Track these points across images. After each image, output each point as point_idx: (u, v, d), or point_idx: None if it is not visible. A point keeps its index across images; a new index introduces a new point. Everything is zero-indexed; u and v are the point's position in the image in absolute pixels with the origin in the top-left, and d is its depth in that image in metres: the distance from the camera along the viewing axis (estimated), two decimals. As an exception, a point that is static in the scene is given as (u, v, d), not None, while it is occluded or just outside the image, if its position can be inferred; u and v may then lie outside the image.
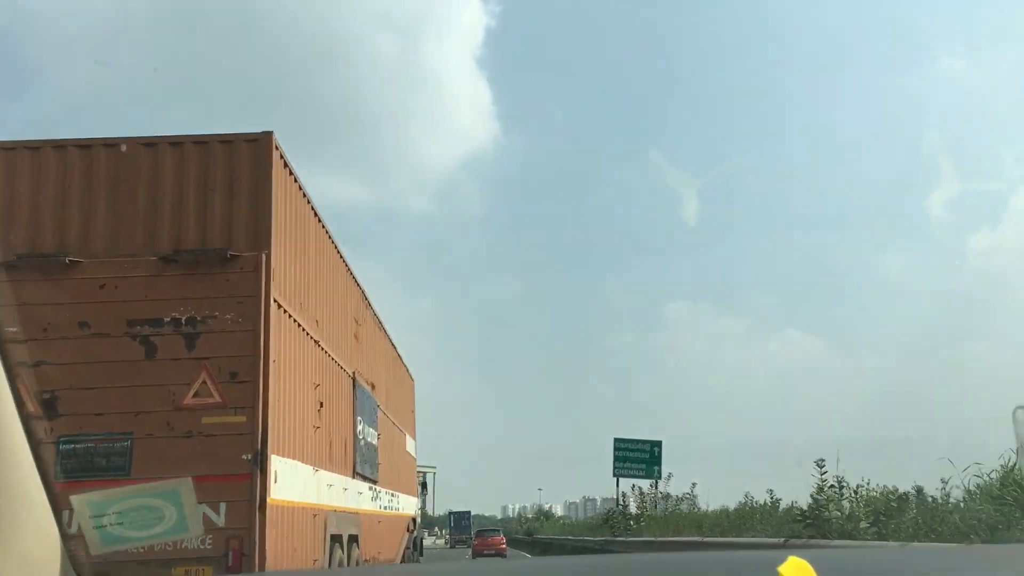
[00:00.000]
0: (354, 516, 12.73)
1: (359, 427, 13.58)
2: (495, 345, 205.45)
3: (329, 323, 11.60)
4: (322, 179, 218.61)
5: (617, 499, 28.14)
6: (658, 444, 27.85)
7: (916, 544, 8.07)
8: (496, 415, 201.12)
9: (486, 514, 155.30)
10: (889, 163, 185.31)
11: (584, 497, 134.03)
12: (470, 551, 48.06)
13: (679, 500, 25.94)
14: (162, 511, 1.76)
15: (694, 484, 26.43)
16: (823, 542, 9.57)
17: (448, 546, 79.16)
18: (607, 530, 28.10)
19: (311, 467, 10.05)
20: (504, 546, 45.98)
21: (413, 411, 22.84)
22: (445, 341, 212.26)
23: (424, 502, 26.07)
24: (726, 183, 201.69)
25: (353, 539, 12.42)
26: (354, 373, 13.34)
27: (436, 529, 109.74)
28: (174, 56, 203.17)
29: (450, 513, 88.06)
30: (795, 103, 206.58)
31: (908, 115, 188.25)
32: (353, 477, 12.97)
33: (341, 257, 12.93)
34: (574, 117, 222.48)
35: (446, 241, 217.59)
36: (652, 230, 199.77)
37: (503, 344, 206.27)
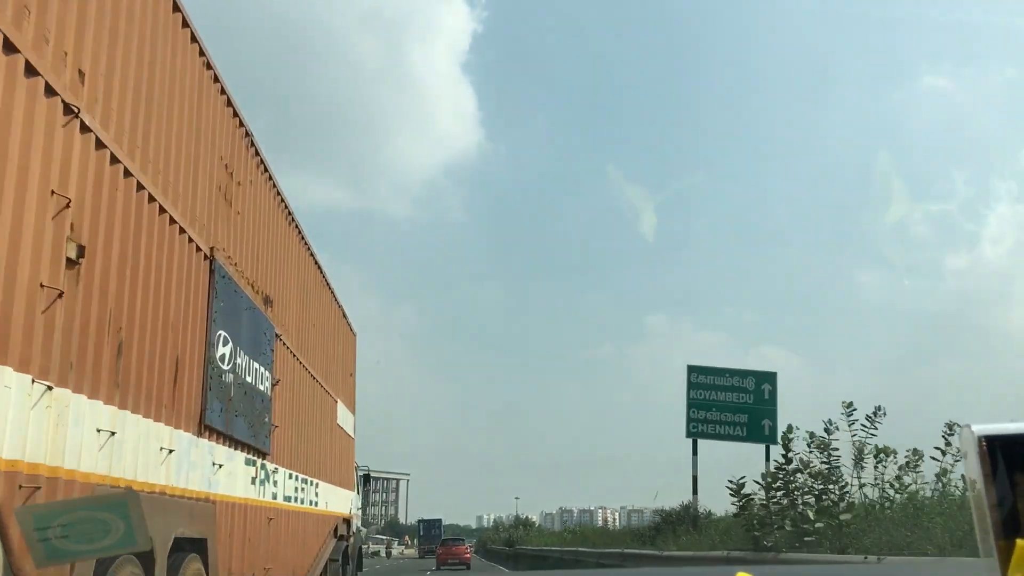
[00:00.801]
0: (196, 506, 7.01)
1: (223, 350, 7.82)
2: (473, 353, 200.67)
3: (131, 110, 5.88)
4: (300, 180, 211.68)
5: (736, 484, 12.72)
6: (770, 378, 18.09)
7: (889, 559, 7.47)
8: (472, 424, 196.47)
9: (460, 524, 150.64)
10: (868, 180, 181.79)
11: (561, 508, 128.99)
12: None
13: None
14: (109, 524, 1.68)
15: None
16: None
17: (418, 555, 74.95)
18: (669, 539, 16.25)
19: (38, 383, 4.54)
20: (468, 555, 44.40)
21: (353, 375, 17.06)
22: (423, 348, 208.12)
23: (363, 502, 19.86)
24: (703, 196, 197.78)
25: (194, 547, 6.71)
26: (212, 250, 7.59)
27: (406, 538, 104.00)
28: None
29: (419, 521, 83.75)
30: (776, 118, 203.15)
31: (887, 132, 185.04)
32: (201, 434, 7.26)
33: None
34: (558, 125, 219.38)
35: (427, 247, 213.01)
36: (632, 241, 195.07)
37: (481, 352, 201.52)
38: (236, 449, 8.23)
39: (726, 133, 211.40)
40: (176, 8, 6.87)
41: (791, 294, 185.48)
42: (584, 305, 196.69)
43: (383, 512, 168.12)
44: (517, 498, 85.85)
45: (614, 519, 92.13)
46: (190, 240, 6.97)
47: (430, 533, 75.32)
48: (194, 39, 7.26)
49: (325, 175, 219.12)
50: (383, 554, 77.26)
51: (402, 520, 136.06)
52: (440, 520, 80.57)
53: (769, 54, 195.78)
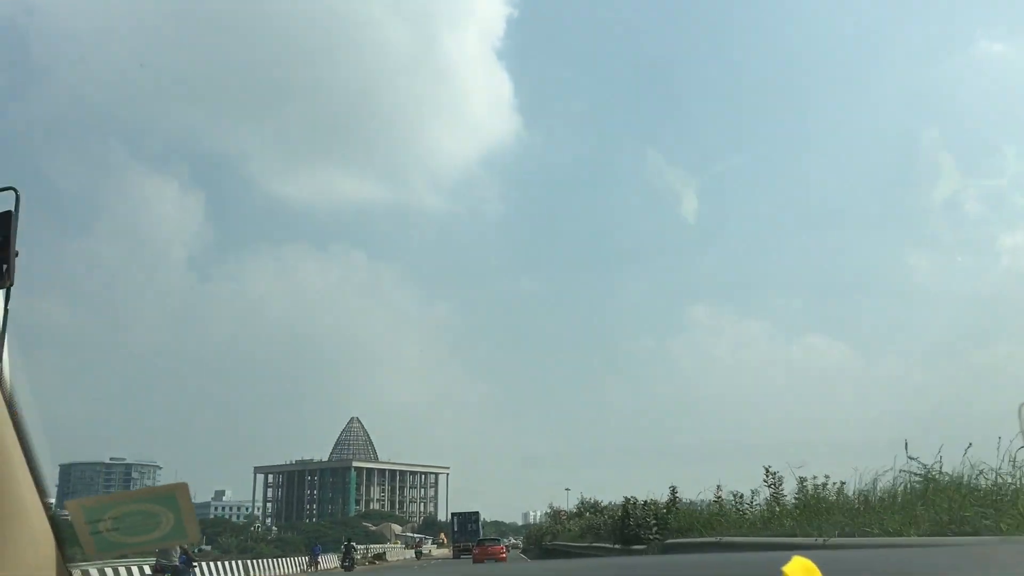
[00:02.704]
0: None
1: None
2: (513, 348, 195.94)
3: None
4: (333, 176, 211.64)
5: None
6: None
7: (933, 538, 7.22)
8: (512, 419, 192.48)
9: (505, 520, 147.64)
10: (917, 155, 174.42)
11: (611, 502, 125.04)
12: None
13: None
14: (159, 516, 1.73)
15: None
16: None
17: (452, 555, 68.15)
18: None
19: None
20: (504, 556, 45.83)
21: None
22: (462, 344, 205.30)
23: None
24: (746, 178, 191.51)
25: None
26: None
27: (441, 535, 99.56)
28: (177, 49, 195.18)
29: (453, 515, 75.50)
30: (820, 93, 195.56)
31: (937, 104, 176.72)
32: None
33: None
34: (597, 111, 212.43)
35: (463, 241, 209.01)
36: (673, 229, 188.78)
37: (521, 347, 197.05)
38: None
39: (769, 111, 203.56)
40: None
41: (837, 279, 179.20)
42: (624, 295, 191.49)
43: (421, 509, 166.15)
44: (567, 489, 79.17)
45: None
46: None
47: (466, 529, 67.97)
48: None
49: (357, 168, 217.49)
50: (413, 555, 72.07)
51: (441, 517, 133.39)
52: (478, 514, 71.76)
53: (813, 26, 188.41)
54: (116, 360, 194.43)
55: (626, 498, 21.82)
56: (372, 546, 68.37)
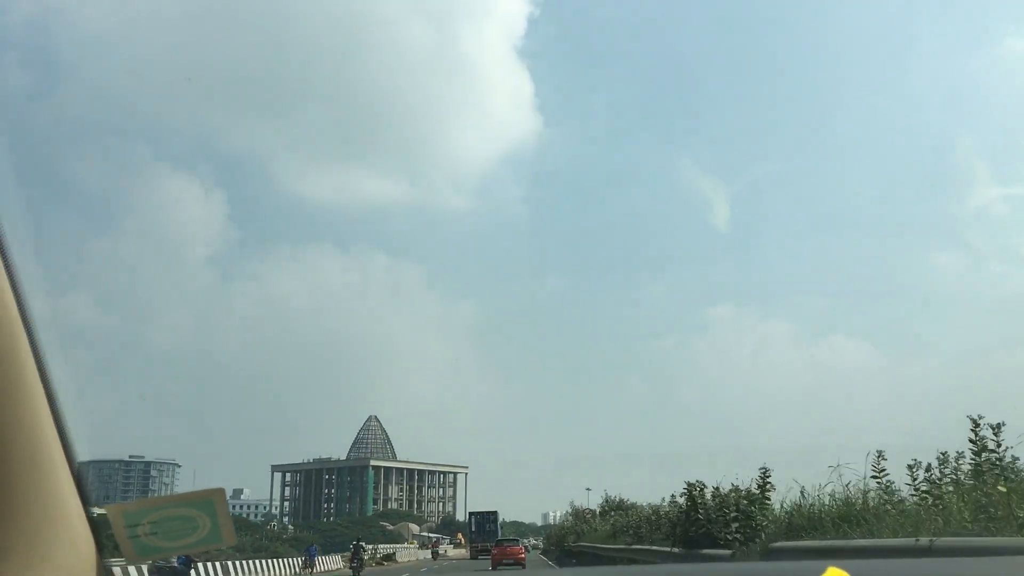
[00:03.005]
0: None
1: None
2: (535, 348, 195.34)
3: None
4: (356, 176, 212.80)
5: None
6: None
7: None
8: (534, 420, 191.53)
9: (525, 521, 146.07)
10: (946, 158, 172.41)
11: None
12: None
13: None
14: (196, 521, 1.78)
15: None
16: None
17: (470, 556, 65.84)
18: None
19: None
20: (523, 556, 45.97)
21: None
22: (484, 345, 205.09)
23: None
24: (768, 183, 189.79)
25: None
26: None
27: (459, 535, 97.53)
28: (200, 49, 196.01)
29: (471, 515, 72.47)
30: (848, 94, 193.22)
31: (967, 104, 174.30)
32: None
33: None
34: (619, 111, 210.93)
35: (485, 241, 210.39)
36: (699, 228, 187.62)
37: (544, 347, 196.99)
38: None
39: (796, 112, 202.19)
40: None
41: (863, 281, 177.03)
42: (647, 296, 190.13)
43: (440, 508, 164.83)
44: (588, 489, 76.52)
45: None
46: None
47: (484, 529, 65.62)
48: None
49: (381, 168, 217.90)
50: (429, 555, 69.69)
51: (460, 517, 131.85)
52: (496, 513, 68.90)
53: (841, 25, 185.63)
54: (137, 358, 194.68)
55: (689, 484, 16.85)
56: (382, 546, 65.51)
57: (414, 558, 63.68)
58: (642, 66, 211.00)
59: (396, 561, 54.74)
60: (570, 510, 57.21)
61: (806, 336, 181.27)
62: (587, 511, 45.58)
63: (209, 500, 1.79)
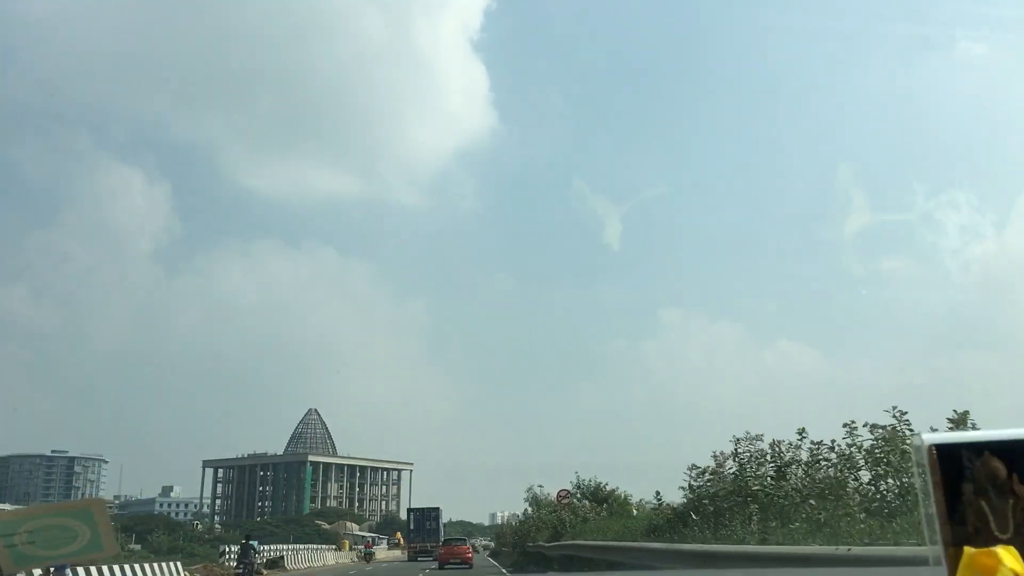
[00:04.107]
0: None
1: None
2: (485, 347, 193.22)
3: None
4: (305, 168, 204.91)
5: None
6: None
7: None
8: (484, 419, 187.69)
9: (472, 520, 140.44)
10: (891, 161, 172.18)
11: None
12: (436, 563, 45.65)
13: None
14: (75, 530, 1.74)
15: None
16: None
17: (407, 558, 58.45)
18: None
19: None
20: (471, 556, 45.19)
21: None
22: (433, 342, 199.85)
23: None
24: (722, 180, 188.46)
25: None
26: None
27: (397, 535, 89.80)
28: (143, 33, 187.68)
29: (410, 511, 65.96)
30: (799, 96, 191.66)
31: (914, 108, 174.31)
32: None
33: None
34: (574, 107, 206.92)
35: (438, 238, 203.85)
36: (650, 229, 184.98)
37: (493, 346, 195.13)
38: None
39: (743, 113, 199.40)
40: None
41: (810, 286, 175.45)
42: (598, 297, 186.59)
43: (382, 507, 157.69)
44: (541, 486, 70.05)
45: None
46: None
47: (423, 527, 58.81)
48: None
49: (329, 161, 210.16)
50: (351, 559, 60.81)
51: (403, 516, 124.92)
52: (438, 510, 61.95)
53: (788, 32, 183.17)
54: (70, 352, 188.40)
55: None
56: (282, 547, 51.49)
57: (330, 562, 53.36)
58: (599, 62, 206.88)
59: (284, 568, 41.18)
60: (529, 497, 42.30)
61: (754, 339, 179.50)
62: (564, 496, 32.32)
63: (88, 510, 1.77)
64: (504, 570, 35.39)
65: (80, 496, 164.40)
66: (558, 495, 32.68)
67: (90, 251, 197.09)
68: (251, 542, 30.83)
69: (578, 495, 32.05)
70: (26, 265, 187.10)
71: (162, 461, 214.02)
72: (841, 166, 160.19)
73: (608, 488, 28.44)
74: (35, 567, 2.63)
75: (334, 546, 67.02)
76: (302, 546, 54.63)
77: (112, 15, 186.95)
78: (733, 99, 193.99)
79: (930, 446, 1.10)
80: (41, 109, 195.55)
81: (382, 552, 68.17)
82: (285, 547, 50.37)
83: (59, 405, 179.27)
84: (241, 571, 28.94)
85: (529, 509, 40.44)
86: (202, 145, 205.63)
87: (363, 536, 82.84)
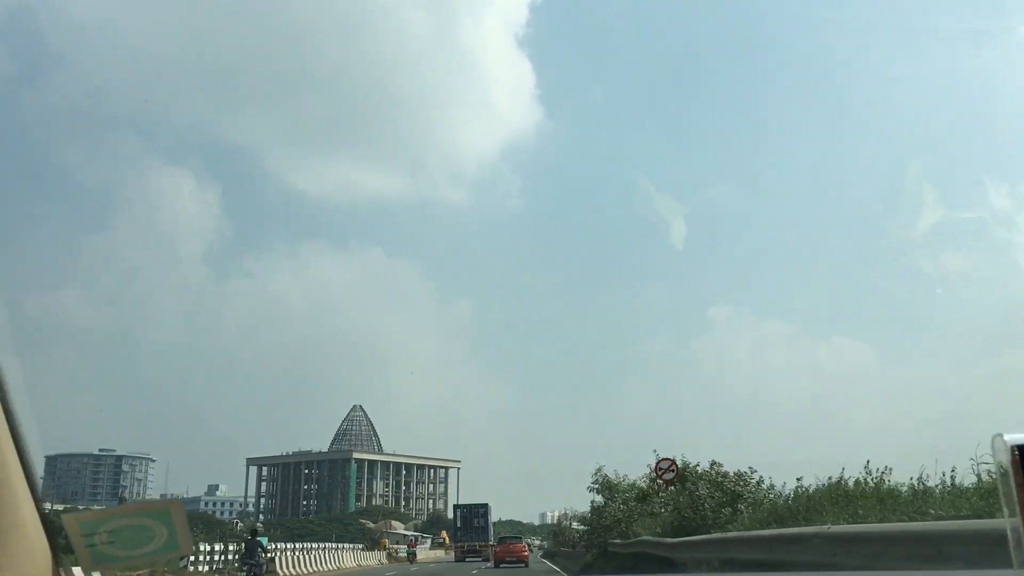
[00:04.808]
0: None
1: None
2: (532, 344, 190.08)
3: None
4: (351, 168, 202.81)
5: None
6: None
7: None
8: (533, 417, 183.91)
9: (523, 520, 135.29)
10: (951, 152, 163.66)
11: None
12: (488, 563, 45.69)
13: None
14: (153, 531, 1.79)
15: None
16: None
17: (455, 559, 53.79)
18: None
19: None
20: (527, 553, 44.91)
21: None
22: (480, 340, 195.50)
23: None
24: (781, 175, 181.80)
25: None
26: None
27: (443, 534, 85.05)
28: (190, 36, 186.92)
29: (456, 508, 61.42)
30: (860, 83, 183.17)
31: (980, 99, 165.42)
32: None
33: None
34: (621, 102, 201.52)
35: (484, 236, 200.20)
36: (699, 228, 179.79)
37: (540, 343, 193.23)
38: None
39: (802, 102, 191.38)
40: None
41: (877, 285, 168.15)
42: (647, 295, 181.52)
43: (429, 506, 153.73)
44: (588, 489, 64.49)
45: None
46: None
47: (471, 525, 54.36)
48: None
49: (376, 161, 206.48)
50: (405, 554, 56.13)
51: (451, 515, 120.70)
52: (487, 506, 56.82)
53: (847, 24, 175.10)
54: (119, 352, 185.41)
55: None
56: (289, 545, 46.38)
57: (348, 564, 45.81)
58: (648, 57, 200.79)
59: (275, 572, 31.00)
60: (598, 481, 30.09)
61: (806, 337, 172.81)
62: (670, 463, 21.83)
63: (167, 511, 1.80)
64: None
65: (128, 495, 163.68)
66: (657, 467, 21.89)
67: (141, 254, 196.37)
68: (259, 538, 25.46)
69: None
70: (79, 268, 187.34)
71: (209, 459, 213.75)
72: (912, 163, 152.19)
73: (721, 469, 18.21)
74: (114, 567, 1.69)
75: (360, 545, 61.74)
76: (314, 544, 48.52)
77: (158, 18, 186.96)
78: (793, 95, 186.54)
79: (1012, 446, 1.04)
80: (92, 114, 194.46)
81: (423, 552, 62.87)
82: (291, 545, 43.93)
83: (107, 404, 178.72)
84: (246, 572, 23.72)
85: (599, 498, 30.47)
86: (250, 146, 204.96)
87: (405, 535, 77.94)
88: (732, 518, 13.46)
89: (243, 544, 24.73)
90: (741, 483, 15.91)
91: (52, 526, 1.62)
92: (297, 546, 44.49)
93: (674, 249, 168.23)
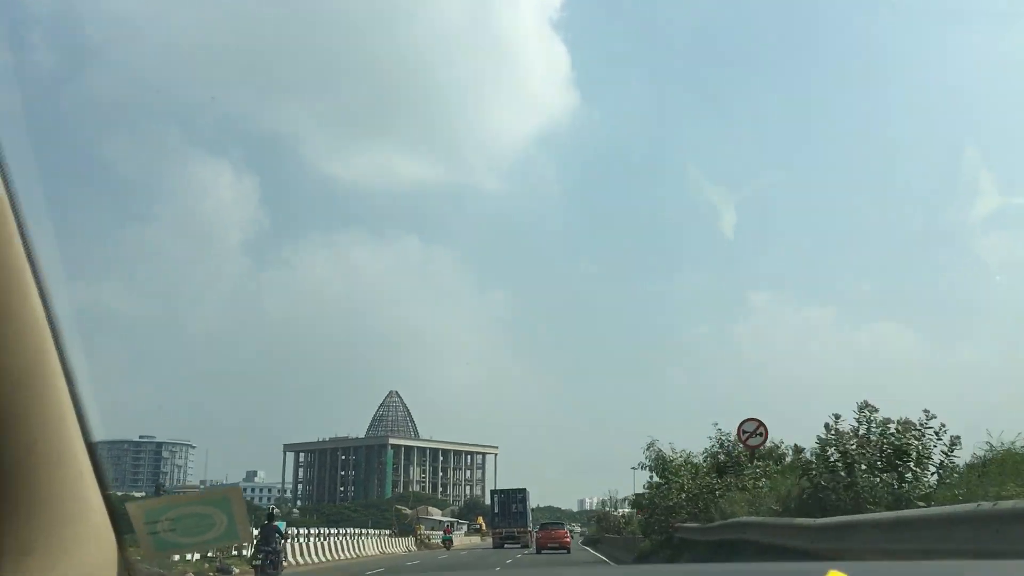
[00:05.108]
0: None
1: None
2: (570, 331, 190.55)
3: None
4: (387, 155, 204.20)
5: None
6: None
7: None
8: (570, 405, 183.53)
9: (562, 507, 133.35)
10: (1008, 136, 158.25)
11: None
12: (527, 549, 45.10)
13: None
14: (212, 518, 1.82)
15: None
16: None
17: (493, 545, 51.37)
18: None
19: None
20: (568, 539, 44.28)
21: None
22: (517, 327, 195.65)
23: None
24: (818, 154, 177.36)
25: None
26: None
27: (479, 519, 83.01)
28: (227, 26, 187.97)
29: (493, 494, 59.16)
30: (905, 72, 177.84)
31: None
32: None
33: None
34: (659, 86, 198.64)
35: (520, 223, 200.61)
36: (737, 213, 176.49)
37: (578, 330, 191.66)
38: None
39: (841, 79, 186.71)
40: None
41: (911, 264, 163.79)
42: (684, 281, 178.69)
43: (466, 492, 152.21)
44: (634, 468, 60.20)
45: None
46: None
47: (509, 511, 52.31)
48: None
49: (411, 147, 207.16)
50: (440, 541, 54.06)
51: (487, 501, 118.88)
52: (525, 491, 54.61)
53: (896, 6, 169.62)
54: (159, 341, 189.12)
55: None
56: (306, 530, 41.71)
57: (370, 552, 42.85)
58: (686, 39, 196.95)
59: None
60: (650, 457, 25.36)
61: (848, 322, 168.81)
62: (758, 424, 18.62)
63: (226, 498, 1.83)
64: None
65: (167, 482, 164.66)
66: (740, 431, 18.17)
67: (181, 244, 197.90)
68: (276, 523, 22.41)
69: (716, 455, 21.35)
70: (119, 258, 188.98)
71: (247, 446, 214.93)
72: (967, 148, 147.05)
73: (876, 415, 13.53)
74: (175, 552, 2.28)
75: (387, 531, 59.57)
76: (336, 530, 45.42)
77: (195, 9, 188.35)
78: (844, 77, 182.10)
79: None
80: (132, 105, 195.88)
81: (458, 539, 60.88)
82: (307, 532, 39.73)
83: (148, 391, 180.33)
84: (260, 562, 20.91)
85: (654, 476, 25.97)
86: (287, 135, 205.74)
87: (440, 521, 76.02)
88: (904, 487, 10.31)
89: (260, 529, 21.98)
90: (909, 435, 11.70)
91: (116, 511, 1.62)
92: (313, 531, 41.54)
93: (723, 237, 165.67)
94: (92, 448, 1.53)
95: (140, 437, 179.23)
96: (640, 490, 33.43)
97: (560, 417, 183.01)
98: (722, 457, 20.73)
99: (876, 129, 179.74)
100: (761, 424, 18.48)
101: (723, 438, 21.11)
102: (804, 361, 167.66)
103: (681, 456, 23.28)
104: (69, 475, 1.46)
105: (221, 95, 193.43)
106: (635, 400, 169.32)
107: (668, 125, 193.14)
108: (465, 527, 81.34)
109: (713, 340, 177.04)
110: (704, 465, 21.58)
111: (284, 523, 30.45)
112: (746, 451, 18.69)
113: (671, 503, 21.65)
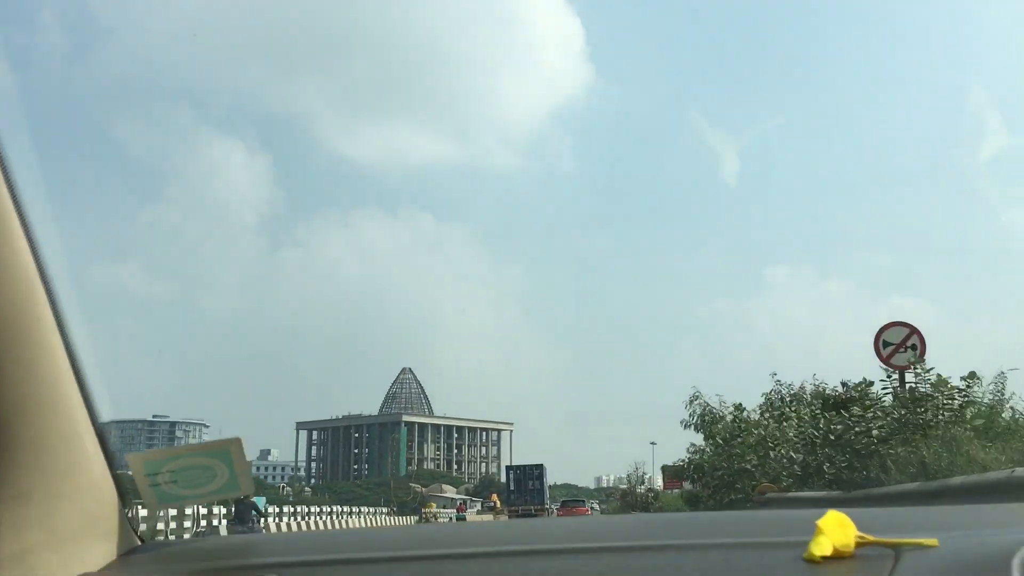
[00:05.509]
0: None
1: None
2: (585, 307, 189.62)
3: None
4: (400, 133, 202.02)
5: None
6: None
7: None
8: (587, 383, 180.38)
9: (579, 484, 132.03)
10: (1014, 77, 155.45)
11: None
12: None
13: None
14: (214, 469, 1.81)
15: None
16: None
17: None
18: None
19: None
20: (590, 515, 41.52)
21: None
22: (532, 303, 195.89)
23: None
24: (833, 125, 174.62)
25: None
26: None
27: (493, 497, 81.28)
28: (234, 7, 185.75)
29: (508, 470, 57.82)
30: (915, 27, 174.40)
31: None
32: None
33: None
34: (674, 53, 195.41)
35: (535, 199, 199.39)
36: (754, 179, 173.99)
37: (593, 306, 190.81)
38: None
39: (856, 48, 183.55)
40: None
41: (930, 236, 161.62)
42: (700, 255, 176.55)
43: (480, 469, 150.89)
44: (654, 443, 58.95)
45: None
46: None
47: (525, 487, 51.52)
48: None
49: (424, 124, 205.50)
50: (449, 519, 53.58)
51: (503, 478, 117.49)
52: (541, 467, 53.35)
53: None
54: (174, 321, 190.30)
55: None
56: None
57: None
58: (699, 8, 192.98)
59: None
60: (692, 414, 20.20)
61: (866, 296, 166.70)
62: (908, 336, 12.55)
63: (226, 449, 1.81)
64: None
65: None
66: (878, 341, 12.37)
67: (194, 224, 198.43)
68: (251, 499, 19.82)
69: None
70: (135, 239, 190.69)
71: (260, 425, 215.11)
72: (975, 88, 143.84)
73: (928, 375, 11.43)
74: (176, 505, 1.70)
75: (385, 509, 57.78)
76: (331, 507, 43.45)
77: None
78: (850, 22, 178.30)
79: None
80: (144, 86, 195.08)
81: (472, 516, 59.30)
82: (302, 509, 37.82)
83: (161, 371, 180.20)
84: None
85: (702, 441, 21.02)
86: (299, 114, 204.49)
87: (453, 499, 74.17)
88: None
89: (233, 506, 19.78)
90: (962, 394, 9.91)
91: (116, 464, 1.64)
92: (300, 510, 39.83)
93: (727, 186, 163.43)
94: (93, 413, 1.51)
95: (154, 416, 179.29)
96: (672, 460, 29.55)
97: (577, 393, 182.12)
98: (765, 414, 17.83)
99: (884, 85, 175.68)
100: (914, 331, 12.74)
101: (784, 390, 18.54)
102: (819, 334, 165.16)
103: (729, 412, 19.45)
104: (70, 435, 1.47)
105: (234, 75, 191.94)
106: (652, 376, 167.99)
107: (683, 92, 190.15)
108: (479, 505, 79.57)
109: (728, 314, 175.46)
110: (806, 407, 17.52)
111: (264, 499, 28.69)
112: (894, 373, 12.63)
113: (737, 467, 17.80)
